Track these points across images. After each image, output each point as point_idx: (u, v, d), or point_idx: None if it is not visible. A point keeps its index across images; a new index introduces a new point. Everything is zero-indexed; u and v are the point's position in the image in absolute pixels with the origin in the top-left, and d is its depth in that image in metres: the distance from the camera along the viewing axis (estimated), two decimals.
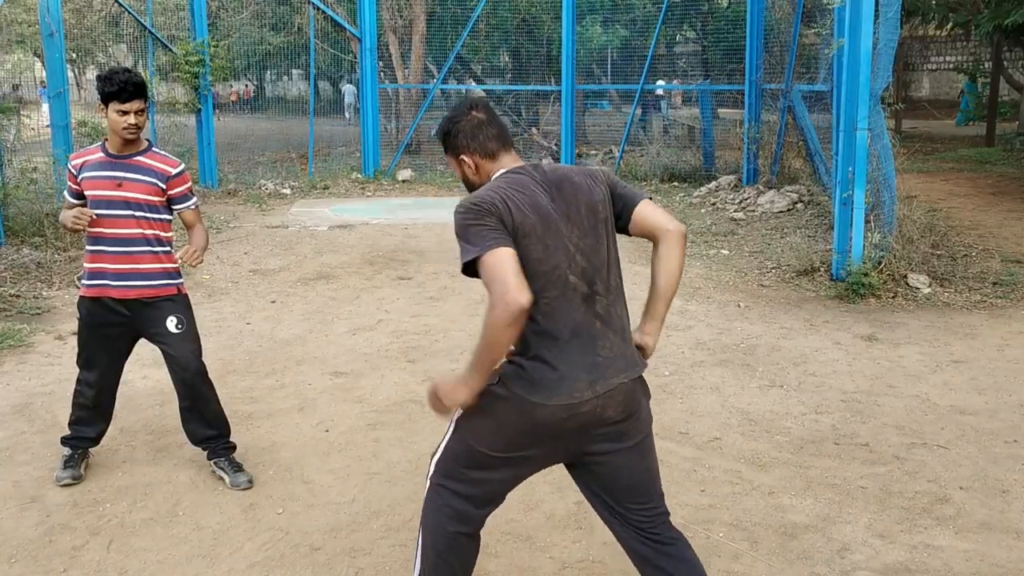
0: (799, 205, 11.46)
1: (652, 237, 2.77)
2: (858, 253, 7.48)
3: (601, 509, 2.77)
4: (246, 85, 24.46)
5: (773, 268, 8.52)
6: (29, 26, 16.04)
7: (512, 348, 2.52)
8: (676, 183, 14.20)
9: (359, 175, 15.22)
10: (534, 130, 17.60)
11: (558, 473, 4.14)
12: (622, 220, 2.77)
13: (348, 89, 21.32)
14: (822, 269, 8.06)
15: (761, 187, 12.43)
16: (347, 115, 20.30)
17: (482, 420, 2.58)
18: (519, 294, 2.32)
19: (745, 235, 10.24)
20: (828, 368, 5.76)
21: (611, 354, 2.58)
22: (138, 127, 3.93)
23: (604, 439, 2.59)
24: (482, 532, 2.78)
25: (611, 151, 16.81)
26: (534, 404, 2.48)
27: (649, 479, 2.72)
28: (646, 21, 16.47)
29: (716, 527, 3.74)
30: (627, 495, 2.67)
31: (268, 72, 24.20)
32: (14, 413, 5.03)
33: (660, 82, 17.78)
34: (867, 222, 7.57)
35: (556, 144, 16.35)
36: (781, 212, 11.38)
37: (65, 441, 4.24)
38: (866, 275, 7.32)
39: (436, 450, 2.78)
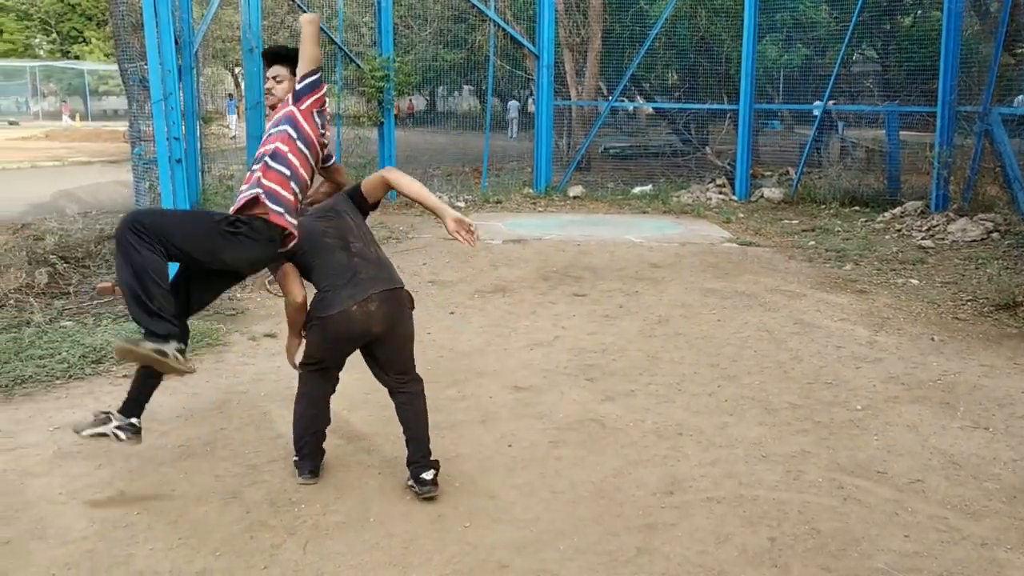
0: (994, 235, 10.81)
1: (376, 188, 4.29)
2: None
3: (376, 370, 4.28)
4: (410, 100, 25.14)
5: (969, 300, 8.03)
6: (224, 42, 17.01)
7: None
8: (857, 207, 13.65)
9: (531, 190, 15.37)
10: (708, 149, 17.30)
11: (750, 507, 4.02)
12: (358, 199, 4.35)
13: (512, 105, 21.62)
14: None
15: (951, 214, 11.78)
16: (510, 130, 20.57)
17: (311, 338, 4.15)
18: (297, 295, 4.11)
19: (935, 264, 9.71)
20: None
21: (365, 276, 4.05)
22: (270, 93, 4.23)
23: (378, 329, 4.05)
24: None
25: (787, 172, 16.32)
26: (324, 318, 4.00)
27: (403, 358, 4.27)
28: (826, 40, 15.94)
29: None
30: (392, 367, 4.24)
31: (440, 87, 24.79)
32: (214, 409, 5.27)
33: (817, 103, 17.26)
34: None
35: (730, 164, 16.01)
36: (974, 241, 10.75)
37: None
38: None
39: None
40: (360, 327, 4.01)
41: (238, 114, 26.39)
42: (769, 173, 16.71)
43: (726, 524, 3.89)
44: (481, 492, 4.22)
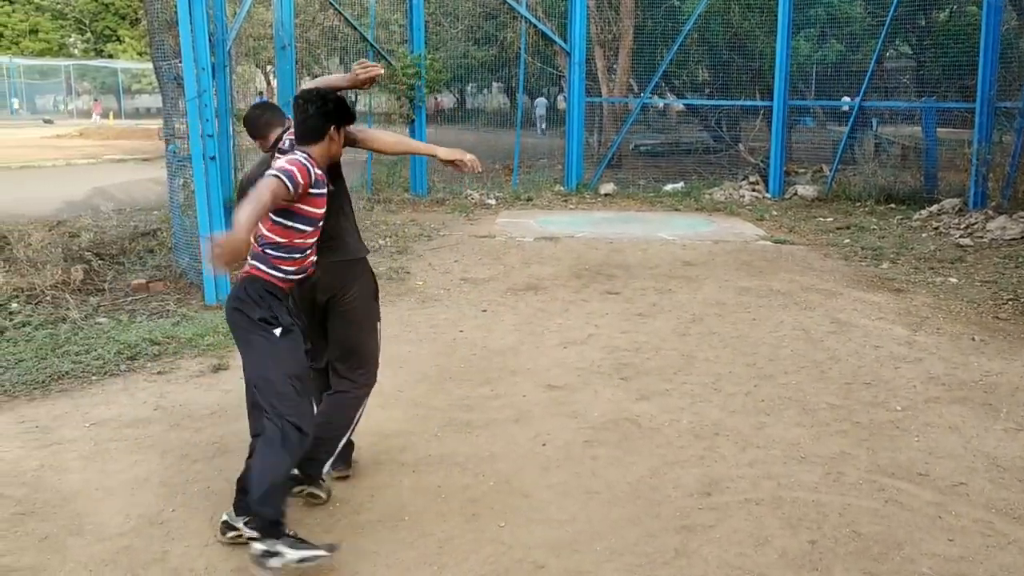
0: None
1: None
2: None
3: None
4: (436, 98, 25.18)
5: (1010, 299, 7.89)
6: (256, 40, 17.13)
7: None
8: (893, 205, 13.48)
9: (562, 187, 15.32)
10: (740, 147, 17.16)
11: (789, 509, 3.95)
12: None
13: (540, 102, 21.58)
14: None
15: (990, 212, 11.59)
16: (539, 127, 20.53)
17: None
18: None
19: (974, 263, 9.55)
20: None
21: (324, 244, 3.79)
22: None
23: (321, 297, 3.93)
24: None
25: (821, 169, 16.15)
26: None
27: (346, 342, 4.03)
28: (860, 36, 15.75)
29: None
30: (335, 349, 4.02)
31: (470, 85, 24.80)
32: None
33: (845, 98, 17.08)
34: None
35: (763, 161, 15.87)
36: (1014, 239, 10.57)
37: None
38: None
39: None
40: (307, 292, 3.90)
41: None
42: (803, 170, 16.54)
43: (765, 526, 3.83)
44: (516, 492, 4.18)
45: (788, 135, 15.78)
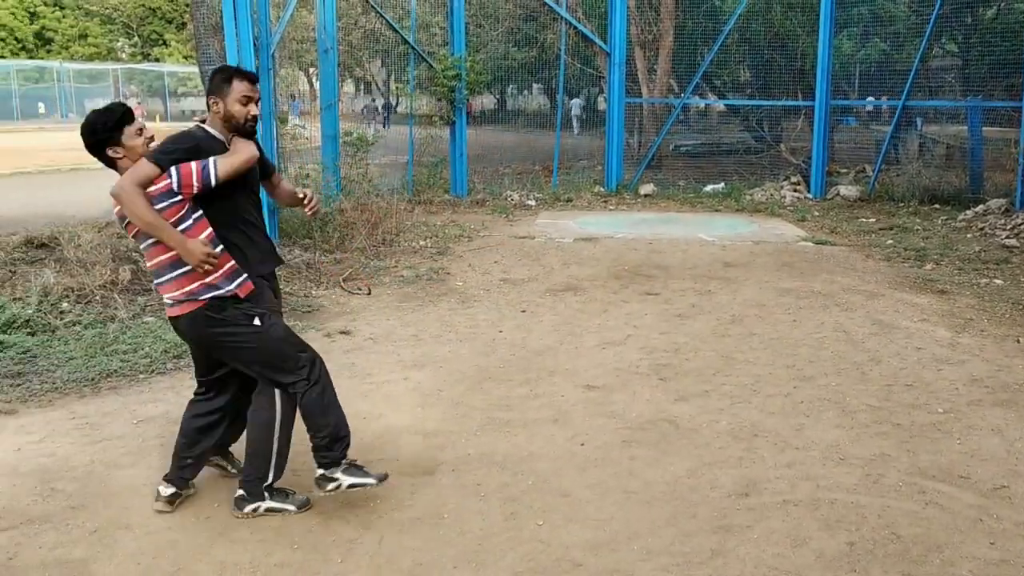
0: None
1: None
2: None
3: None
4: (468, 100, 25.25)
5: None
6: (299, 43, 17.32)
7: None
8: (937, 205, 13.32)
9: (601, 188, 15.32)
10: (781, 147, 17.03)
11: (827, 510, 3.95)
12: None
13: (575, 103, 21.59)
14: None
15: None
16: (574, 128, 20.55)
17: None
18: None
19: (1020, 264, 9.42)
20: None
21: None
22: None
23: None
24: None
25: (863, 169, 15.99)
26: None
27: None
28: (904, 34, 15.57)
29: None
30: None
31: (510, 86, 24.84)
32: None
33: (870, 98, 16.91)
34: None
35: (805, 161, 15.74)
36: None
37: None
38: None
39: None
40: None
41: (300, 115, 26.82)
42: (845, 171, 16.39)
43: (803, 527, 3.83)
44: (554, 491, 4.22)
45: (830, 135, 15.64)
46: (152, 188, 3.62)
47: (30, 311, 6.85)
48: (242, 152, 3.84)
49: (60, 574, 3.51)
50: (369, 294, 8.11)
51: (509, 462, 4.52)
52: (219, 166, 3.71)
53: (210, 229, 3.75)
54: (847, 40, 16.80)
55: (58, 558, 3.61)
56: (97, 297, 7.44)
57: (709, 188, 15.52)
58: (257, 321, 3.85)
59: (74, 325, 6.79)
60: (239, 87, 3.85)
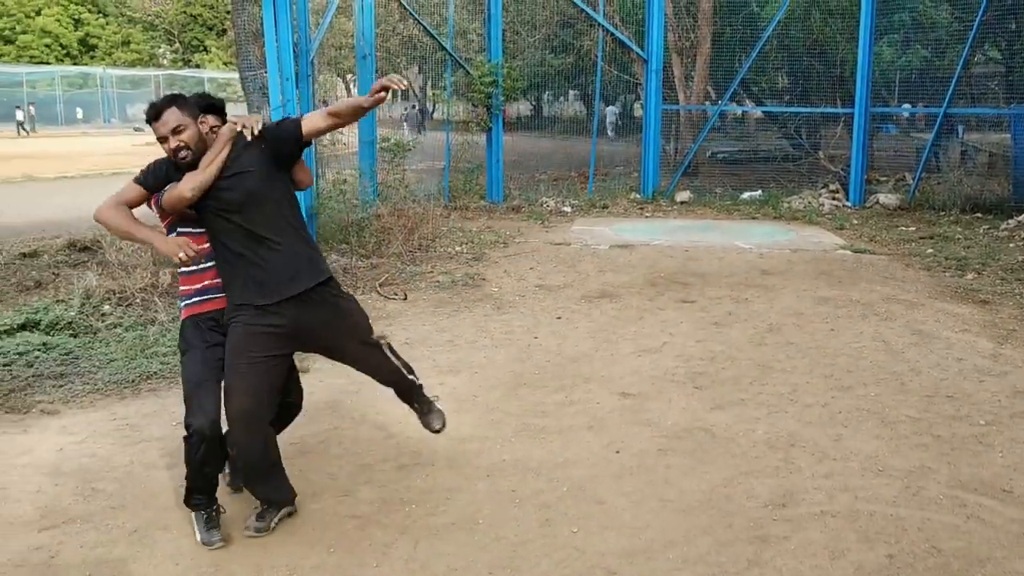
0: None
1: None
2: None
3: None
4: (503, 105, 25.31)
5: None
6: (337, 49, 17.47)
7: None
8: (979, 214, 13.12)
9: (637, 195, 15.28)
10: (820, 154, 16.89)
11: (866, 522, 3.91)
12: None
13: (610, 110, 21.58)
14: None
15: None
16: (609, 134, 20.53)
17: None
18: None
19: None
20: None
21: None
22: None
23: None
24: None
25: (903, 177, 15.81)
26: None
27: None
28: (946, 41, 15.38)
29: None
30: None
31: (545, 93, 24.85)
32: (327, 408, 5.40)
33: (906, 105, 16.72)
34: None
35: (844, 169, 15.59)
36: None
37: None
38: None
39: None
40: None
41: None
42: (884, 178, 16.21)
43: (841, 539, 3.79)
44: (589, 498, 4.21)
45: (869, 142, 15.49)
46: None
47: (73, 313, 6.96)
48: (173, 190, 3.66)
49: (100, 573, 3.56)
50: (405, 299, 8.15)
51: (544, 468, 4.52)
52: (163, 197, 3.69)
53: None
54: (887, 47, 16.63)
55: (98, 557, 3.66)
56: (137, 300, 7.55)
57: (746, 195, 15.42)
58: (182, 348, 3.84)
59: (115, 327, 6.89)
60: (154, 127, 3.63)
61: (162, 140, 3.60)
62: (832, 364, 6.28)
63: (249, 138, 3.69)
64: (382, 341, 4.04)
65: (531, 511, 4.06)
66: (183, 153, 3.59)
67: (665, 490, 4.30)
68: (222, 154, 3.61)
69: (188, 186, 3.57)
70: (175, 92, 3.87)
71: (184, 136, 3.59)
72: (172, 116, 3.59)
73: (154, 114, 3.60)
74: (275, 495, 3.89)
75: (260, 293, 3.67)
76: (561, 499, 4.18)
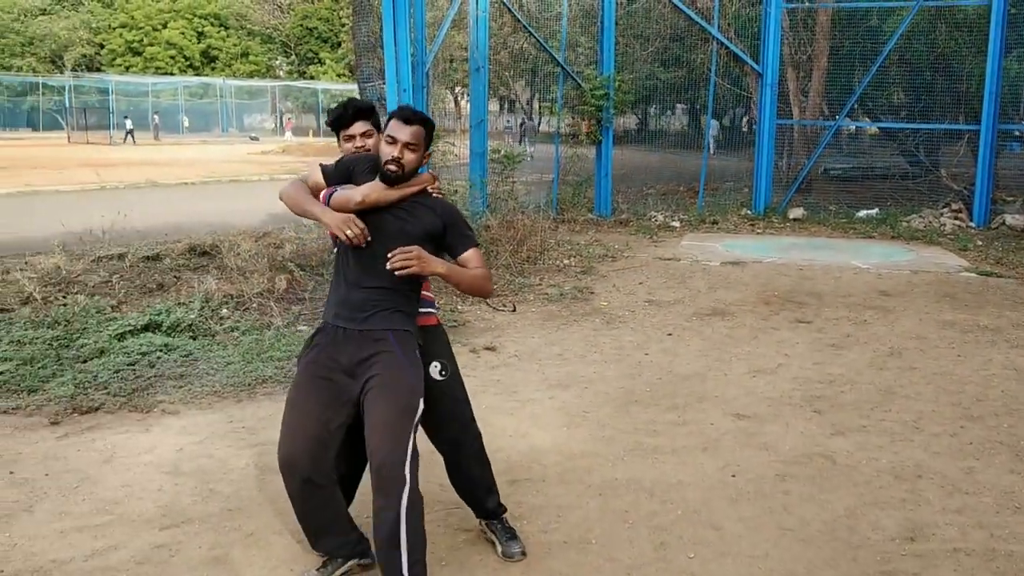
0: None
1: None
2: None
3: None
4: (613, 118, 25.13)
5: None
6: (450, 62, 17.68)
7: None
8: None
9: (748, 211, 14.98)
10: (941, 172, 16.27)
11: (1004, 563, 3.68)
12: None
13: (712, 123, 21.30)
14: None
15: None
16: (711, 149, 20.24)
17: None
18: None
19: None
20: None
21: None
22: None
23: None
24: None
25: None
26: None
27: None
28: None
29: None
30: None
31: (653, 106, 24.63)
32: None
33: None
34: None
35: (967, 188, 14.97)
36: None
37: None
38: None
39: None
40: None
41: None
42: (1011, 198, 15.52)
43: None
44: (705, 522, 4.08)
45: (995, 160, 14.84)
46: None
47: (193, 315, 7.16)
48: (348, 190, 3.45)
49: (216, 575, 3.61)
50: (514, 311, 8.13)
51: (657, 489, 4.41)
52: (333, 197, 3.43)
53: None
54: (1016, 62, 15.93)
55: (216, 558, 3.72)
56: (254, 304, 7.72)
57: (862, 214, 14.95)
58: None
59: (232, 331, 7.06)
60: (389, 125, 3.42)
61: (391, 141, 3.37)
62: (960, 392, 5.99)
63: (435, 195, 3.54)
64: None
65: (645, 533, 3.96)
66: (393, 167, 3.35)
67: (784, 518, 4.14)
68: (411, 190, 3.42)
69: (363, 192, 3.37)
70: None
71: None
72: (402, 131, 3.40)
73: (408, 117, 3.43)
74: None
75: (334, 312, 3.62)
76: (676, 522, 4.07)
